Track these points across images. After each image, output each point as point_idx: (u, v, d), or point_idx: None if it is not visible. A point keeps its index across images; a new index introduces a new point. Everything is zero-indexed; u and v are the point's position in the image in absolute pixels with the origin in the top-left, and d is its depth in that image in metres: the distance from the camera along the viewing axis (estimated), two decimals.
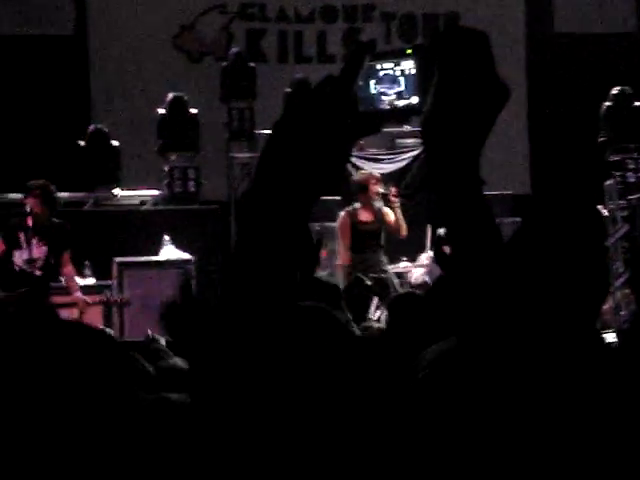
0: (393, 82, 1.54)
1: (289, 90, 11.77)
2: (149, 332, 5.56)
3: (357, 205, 9.22)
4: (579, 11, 13.67)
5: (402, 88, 1.54)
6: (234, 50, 12.06)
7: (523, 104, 13.51)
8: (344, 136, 1.46)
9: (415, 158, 11.61)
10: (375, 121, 1.51)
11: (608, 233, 11.07)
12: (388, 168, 11.62)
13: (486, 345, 1.55)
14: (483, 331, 1.57)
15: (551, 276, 1.90)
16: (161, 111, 11.23)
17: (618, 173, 11.27)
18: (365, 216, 9.17)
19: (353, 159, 11.57)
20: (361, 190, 9.15)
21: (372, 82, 1.55)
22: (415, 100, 1.54)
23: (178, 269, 9.93)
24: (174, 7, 13.05)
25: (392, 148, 11.91)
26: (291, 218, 1.44)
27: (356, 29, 13.50)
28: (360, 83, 1.49)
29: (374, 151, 11.83)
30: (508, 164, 12.92)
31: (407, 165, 11.64)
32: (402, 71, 1.54)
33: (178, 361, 3.49)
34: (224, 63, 11.78)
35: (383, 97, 1.55)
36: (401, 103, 1.55)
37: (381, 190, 9.22)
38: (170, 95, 11.31)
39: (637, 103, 11.38)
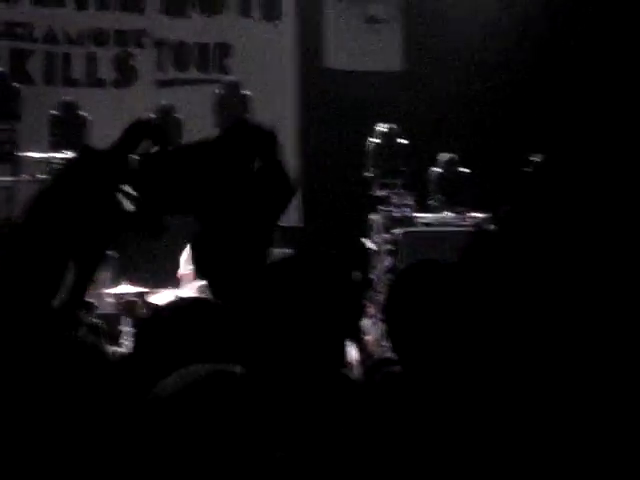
0: None
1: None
2: None
3: None
4: (349, 48, 14.04)
5: None
6: None
7: (294, 137, 13.70)
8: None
9: None
10: None
11: (373, 266, 11.36)
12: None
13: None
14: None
15: (303, 304, 1.96)
16: None
17: (384, 208, 11.62)
18: None
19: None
20: None
21: None
22: None
23: None
24: None
25: None
26: None
27: (127, 54, 13.29)
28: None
29: None
30: None
31: None
32: None
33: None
34: None
35: None
36: None
37: None
38: None
39: (402, 140, 11.80)
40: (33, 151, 11.34)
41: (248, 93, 12.17)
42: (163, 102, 12.22)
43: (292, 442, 1.55)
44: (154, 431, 1.59)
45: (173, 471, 1.59)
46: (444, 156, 12.04)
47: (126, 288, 10.03)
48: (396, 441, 1.83)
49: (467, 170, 11.96)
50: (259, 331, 1.96)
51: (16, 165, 11.22)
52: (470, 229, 11.41)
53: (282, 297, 1.98)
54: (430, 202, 11.96)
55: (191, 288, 10.23)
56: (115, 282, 10.36)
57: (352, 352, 9.60)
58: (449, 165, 12.00)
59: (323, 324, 1.98)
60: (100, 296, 10.21)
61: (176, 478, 1.58)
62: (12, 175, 11.21)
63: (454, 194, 11.73)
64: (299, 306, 1.97)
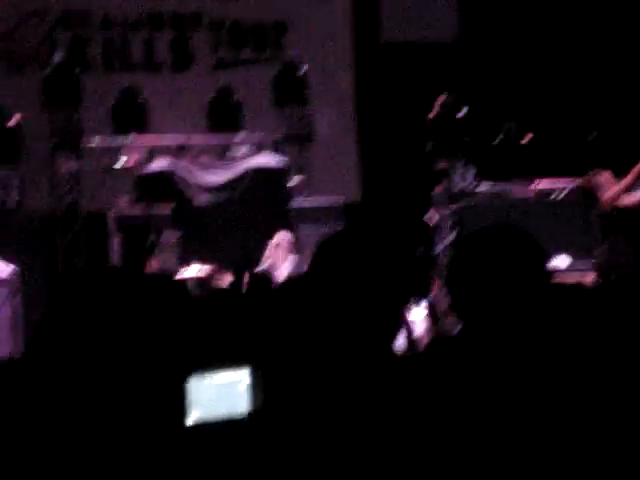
0: None
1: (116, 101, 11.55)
2: None
3: None
4: (405, 21, 13.93)
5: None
6: (57, 58, 11.72)
7: (352, 111, 13.66)
8: None
9: (249, 167, 11.56)
10: None
11: (435, 241, 11.29)
12: (221, 179, 11.52)
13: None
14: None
15: (363, 282, 1.95)
16: None
17: (445, 181, 11.53)
18: None
19: (184, 169, 11.43)
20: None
21: None
22: None
23: (0, 285, 9.57)
24: None
25: (224, 158, 11.83)
26: None
27: (184, 37, 13.35)
28: None
29: (206, 161, 11.72)
30: (338, 172, 13.03)
31: (241, 175, 11.57)
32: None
33: None
34: (48, 71, 11.44)
35: None
36: None
37: None
38: None
39: (462, 112, 11.68)
40: (95, 137, 11.47)
41: (305, 70, 12.16)
42: (221, 83, 12.27)
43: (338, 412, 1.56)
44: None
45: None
46: (506, 125, 11.90)
47: (194, 268, 10.12)
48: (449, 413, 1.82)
49: (530, 139, 11.81)
50: (321, 307, 1.96)
51: (80, 152, 11.36)
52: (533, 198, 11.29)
53: (344, 272, 1.97)
54: (493, 173, 11.84)
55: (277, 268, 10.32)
56: (181, 265, 10.47)
57: (418, 327, 9.58)
58: (512, 135, 11.87)
59: (386, 299, 1.97)
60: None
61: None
62: (76, 162, 11.35)
63: (518, 164, 11.60)
64: (361, 281, 1.96)
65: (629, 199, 8.80)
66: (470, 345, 1.99)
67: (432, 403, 1.85)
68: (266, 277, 9.09)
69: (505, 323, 1.97)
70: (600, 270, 7.83)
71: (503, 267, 2.06)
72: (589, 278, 9.53)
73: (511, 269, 2.06)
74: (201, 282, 9.76)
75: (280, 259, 10.07)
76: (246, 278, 9.73)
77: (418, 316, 9.59)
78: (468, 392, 1.89)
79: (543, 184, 11.09)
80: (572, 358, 1.88)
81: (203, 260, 10.27)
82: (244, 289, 8.89)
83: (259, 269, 10.11)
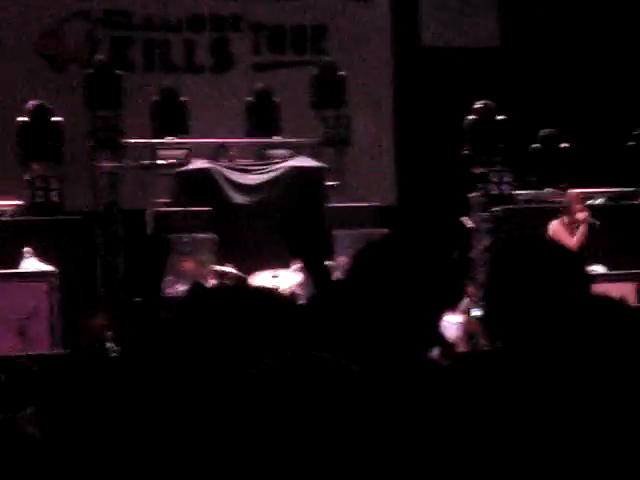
0: None
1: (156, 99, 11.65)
2: None
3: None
4: (444, 26, 13.93)
5: None
6: (99, 58, 11.84)
7: (390, 115, 13.68)
8: None
9: (287, 169, 11.59)
10: None
11: (472, 245, 11.28)
12: (257, 179, 11.57)
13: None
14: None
15: (405, 284, 1.97)
16: (22, 119, 10.92)
17: (482, 186, 11.52)
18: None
19: (223, 170, 11.50)
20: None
21: None
22: None
23: (39, 281, 9.68)
24: (36, 13, 12.71)
25: (262, 159, 11.88)
26: None
27: (224, 39, 13.43)
28: None
29: (244, 162, 11.78)
30: (375, 176, 13.05)
31: (277, 176, 11.61)
32: None
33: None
34: (89, 71, 11.55)
35: None
36: None
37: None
38: (32, 103, 11.01)
39: (500, 117, 11.67)
40: (136, 137, 11.57)
41: (344, 73, 12.19)
42: (260, 85, 12.30)
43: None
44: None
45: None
46: (544, 132, 11.87)
47: (227, 269, 10.19)
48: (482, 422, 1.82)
49: (567, 145, 11.78)
50: (358, 311, 1.98)
51: (120, 151, 11.45)
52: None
53: (381, 276, 2.00)
54: (529, 179, 11.81)
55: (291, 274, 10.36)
56: (216, 264, 10.53)
57: (453, 330, 9.59)
58: (549, 141, 11.83)
59: (422, 303, 1.99)
60: (203, 276, 10.38)
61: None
62: (116, 161, 11.45)
63: (554, 170, 11.56)
64: (398, 285, 1.98)
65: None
66: (509, 360, 1.98)
67: (467, 417, 1.84)
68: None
69: (545, 339, 1.94)
70: None
71: (542, 282, 2.03)
72: (629, 289, 9.64)
73: (550, 284, 2.02)
74: (236, 281, 9.81)
75: None
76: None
77: (452, 321, 9.61)
78: (507, 407, 1.87)
79: (580, 189, 11.05)
80: (616, 379, 1.83)
81: (239, 260, 10.34)
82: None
83: (291, 269, 10.17)
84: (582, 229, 10.04)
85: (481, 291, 10.24)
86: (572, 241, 9.65)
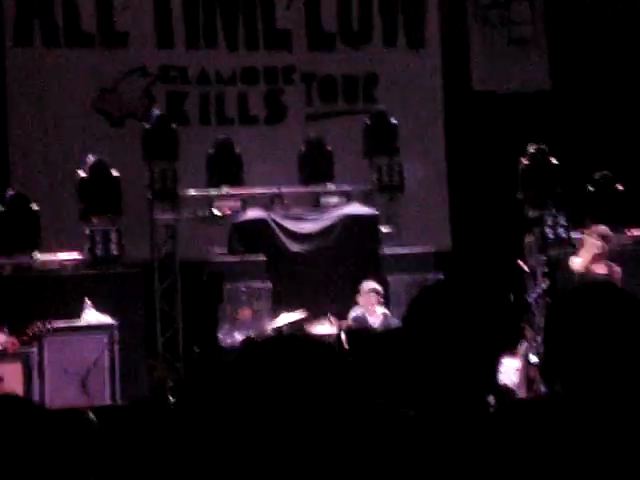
0: None
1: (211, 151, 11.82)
2: None
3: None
4: (495, 70, 13.99)
5: None
6: (156, 112, 12.06)
7: (442, 161, 13.71)
8: None
9: (341, 217, 11.66)
10: None
11: (528, 289, 11.22)
12: (312, 228, 11.65)
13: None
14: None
15: (461, 329, 2.01)
16: (82, 174, 11.15)
17: (537, 229, 11.48)
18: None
19: (277, 218, 11.61)
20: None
21: None
22: None
23: (100, 334, 9.81)
24: (95, 71, 13.00)
25: (316, 207, 11.96)
26: None
27: (277, 90, 13.61)
28: None
29: (298, 211, 11.87)
30: (429, 221, 13.06)
31: (332, 224, 11.68)
32: None
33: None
34: (146, 125, 11.77)
35: None
36: None
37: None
38: (91, 157, 11.24)
39: (553, 160, 11.66)
40: (192, 188, 11.73)
41: (395, 122, 12.27)
42: (312, 135, 12.42)
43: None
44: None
45: None
46: (598, 174, 11.83)
47: (285, 317, 10.24)
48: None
49: (621, 187, 11.71)
50: (415, 357, 2.01)
51: (177, 202, 11.61)
52: (630, 246, 11.16)
53: (437, 321, 2.03)
54: (585, 221, 11.75)
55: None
56: (274, 313, 10.60)
57: (513, 375, 9.52)
58: (603, 183, 11.78)
59: (478, 348, 2.01)
60: (262, 326, 10.46)
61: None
62: (173, 212, 11.61)
63: (609, 212, 11.49)
64: (454, 330, 2.01)
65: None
66: (568, 407, 1.96)
67: (521, 466, 1.83)
68: (362, 327, 9.15)
69: (605, 386, 1.93)
70: None
71: (603, 329, 2.00)
72: None
73: (611, 330, 2.00)
74: (293, 328, 9.88)
75: (372, 305, 10.16)
76: (343, 327, 9.82)
77: (512, 366, 9.54)
78: (562, 455, 1.85)
79: (636, 232, 10.97)
80: None
81: (295, 308, 10.40)
82: (343, 339, 8.95)
83: (352, 315, 10.20)
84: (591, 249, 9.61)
85: (539, 335, 10.18)
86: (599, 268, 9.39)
